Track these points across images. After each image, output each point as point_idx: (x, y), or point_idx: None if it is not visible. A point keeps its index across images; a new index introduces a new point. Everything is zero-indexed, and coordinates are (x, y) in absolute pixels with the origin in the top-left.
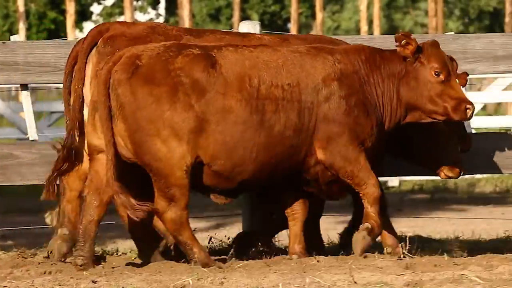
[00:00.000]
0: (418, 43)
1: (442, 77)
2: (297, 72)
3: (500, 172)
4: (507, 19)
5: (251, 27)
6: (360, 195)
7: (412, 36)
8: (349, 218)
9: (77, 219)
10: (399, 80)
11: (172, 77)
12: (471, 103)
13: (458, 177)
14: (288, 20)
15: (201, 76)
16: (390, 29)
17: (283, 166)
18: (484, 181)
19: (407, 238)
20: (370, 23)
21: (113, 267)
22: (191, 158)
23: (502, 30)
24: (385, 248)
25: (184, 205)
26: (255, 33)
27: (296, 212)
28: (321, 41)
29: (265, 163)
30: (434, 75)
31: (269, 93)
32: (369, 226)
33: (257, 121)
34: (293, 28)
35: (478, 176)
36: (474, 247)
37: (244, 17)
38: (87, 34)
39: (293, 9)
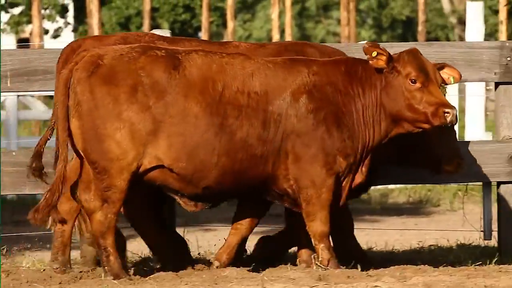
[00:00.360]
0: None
1: (418, 84)
2: (267, 82)
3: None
4: (420, 28)
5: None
6: (307, 226)
7: (381, 45)
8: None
9: (69, 243)
10: (381, 92)
11: (133, 77)
12: (451, 107)
13: (457, 171)
14: (199, 28)
15: (162, 77)
16: (302, 38)
17: (248, 175)
18: (397, 192)
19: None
20: (282, 32)
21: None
22: (145, 161)
23: (415, 39)
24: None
25: (117, 210)
26: (233, 41)
27: (242, 225)
28: (297, 45)
29: (228, 169)
30: (410, 83)
31: (233, 99)
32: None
33: (217, 125)
34: (204, 37)
35: (391, 186)
36: (388, 258)
37: (154, 25)
38: (62, 52)
39: (204, 18)
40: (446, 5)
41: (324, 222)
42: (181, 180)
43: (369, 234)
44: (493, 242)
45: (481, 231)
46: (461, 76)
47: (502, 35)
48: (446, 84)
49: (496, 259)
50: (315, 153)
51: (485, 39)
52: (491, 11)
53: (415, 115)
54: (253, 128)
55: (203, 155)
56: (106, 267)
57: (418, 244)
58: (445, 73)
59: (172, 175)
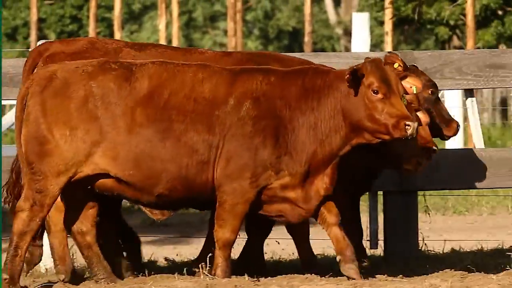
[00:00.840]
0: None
1: (380, 95)
2: (216, 89)
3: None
4: (306, 39)
5: None
6: (214, 229)
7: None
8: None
9: (66, 252)
10: (342, 100)
11: (84, 89)
12: (412, 120)
13: (417, 169)
14: None
15: (112, 89)
16: None
17: (197, 181)
18: None
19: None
20: (169, 42)
21: None
22: (87, 169)
23: (302, 50)
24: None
25: (43, 215)
26: (198, 48)
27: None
28: (264, 56)
29: (175, 175)
30: (372, 93)
31: (179, 105)
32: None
33: (162, 131)
34: None
35: None
36: (275, 268)
37: (42, 36)
38: (28, 56)
39: (91, 28)
40: (332, 16)
41: (232, 231)
42: (134, 189)
43: None
44: (379, 251)
45: (367, 240)
46: (422, 85)
47: (388, 46)
48: (407, 94)
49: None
50: (245, 161)
51: (371, 50)
52: (377, 22)
53: (375, 125)
54: (197, 134)
55: (149, 162)
56: (8, 265)
57: None
58: (407, 83)
59: (123, 184)
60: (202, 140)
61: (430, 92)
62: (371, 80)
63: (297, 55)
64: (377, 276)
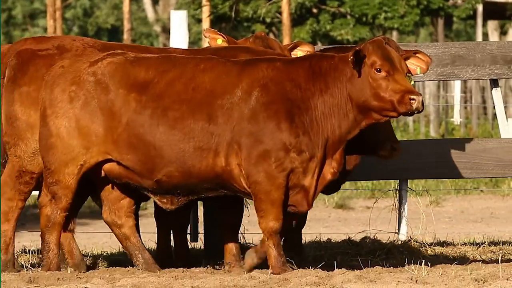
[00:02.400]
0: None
1: (384, 73)
2: (218, 78)
3: None
4: (125, 36)
5: None
6: (258, 222)
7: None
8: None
9: (73, 245)
10: (347, 83)
11: (84, 79)
12: (417, 94)
13: (392, 155)
14: None
15: (109, 76)
16: None
17: (196, 167)
18: None
19: (30, 251)
20: None
21: None
22: (94, 156)
23: None
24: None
25: (63, 206)
26: (169, 47)
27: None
28: (232, 50)
29: (172, 160)
30: (375, 72)
31: (176, 93)
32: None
33: (157, 117)
34: None
35: None
36: (96, 261)
37: None
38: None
39: None
40: (150, 14)
41: (274, 219)
42: (135, 173)
43: (79, 237)
44: (200, 244)
45: (188, 233)
46: (428, 67)
47: (205, 44)
48: (412, 74)
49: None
50: (265, 147)
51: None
52: (195, 19)
53: (381, 103)
54: (195, 121)
55: (145, 146)
56: (44, 263)
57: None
58: (411, 63)
59: (126, 169)
60: (200, 128)
61: None
62: (373, 59)
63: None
64: (198, 268)
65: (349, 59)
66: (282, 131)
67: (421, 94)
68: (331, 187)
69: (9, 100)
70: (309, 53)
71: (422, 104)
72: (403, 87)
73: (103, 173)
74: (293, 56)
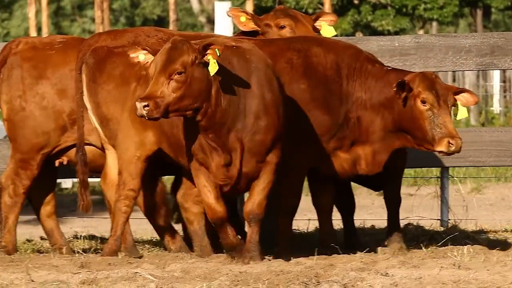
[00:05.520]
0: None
1: (428, 105)
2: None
3: None
4: (171, 27)
5: None
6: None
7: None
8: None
9: (127, 230)
10: (394, 104)
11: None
12: (457, 138)
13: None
14: None
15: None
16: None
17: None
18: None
19: (82, 237)
20: (39, 30)
21: None
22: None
23: None
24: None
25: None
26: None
27: None
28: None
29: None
30: (421, 103)
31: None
32: None
33: None
34: None
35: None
36: (147, 246)
37: None
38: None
39: None
40: (195, 5)
41: (293, 196)
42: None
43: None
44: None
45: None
46: (476, 102)
47: None
48: (455, 106)
49: None
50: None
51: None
52: None
53: (421, 135)
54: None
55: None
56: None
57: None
58: (462, 98)
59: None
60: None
61: None
62: (420, 90)
63: None
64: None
65: (393, 89)
66: (324, 115)
67: (461, 139)
68: (377, 184)
69: (95, 102)
70: (332, 22)
71: (459, 148)
72: (446, 128)
73: None
74: (316, 26)
